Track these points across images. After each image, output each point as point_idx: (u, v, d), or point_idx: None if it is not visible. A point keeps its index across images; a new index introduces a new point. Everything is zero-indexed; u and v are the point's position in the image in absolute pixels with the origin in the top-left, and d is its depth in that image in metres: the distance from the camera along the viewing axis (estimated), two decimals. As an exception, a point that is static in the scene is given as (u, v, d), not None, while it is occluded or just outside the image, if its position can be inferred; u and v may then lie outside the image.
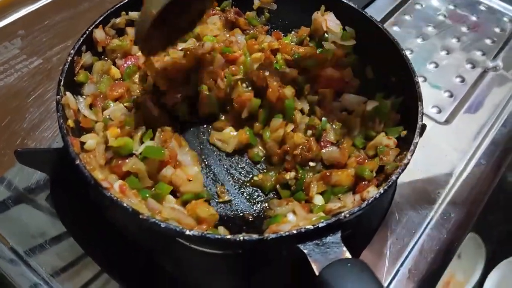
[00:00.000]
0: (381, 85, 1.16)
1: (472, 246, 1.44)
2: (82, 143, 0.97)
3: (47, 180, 1.11)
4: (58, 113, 0.92)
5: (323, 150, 1.07)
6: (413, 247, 1.07)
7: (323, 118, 1.10)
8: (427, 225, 1.11)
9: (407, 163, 0.93)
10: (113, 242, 1.02)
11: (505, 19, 1.65)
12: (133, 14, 1.17)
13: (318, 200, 1.01)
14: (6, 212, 1.07)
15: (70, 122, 0.96)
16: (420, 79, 1.41)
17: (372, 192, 0.92)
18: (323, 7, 1.24)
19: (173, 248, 0.96)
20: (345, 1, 1.22)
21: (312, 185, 1.02)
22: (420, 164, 1.19)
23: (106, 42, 1.13)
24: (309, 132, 1.10)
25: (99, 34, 1.10)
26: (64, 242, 1.03)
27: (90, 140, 0.97)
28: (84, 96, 1.06)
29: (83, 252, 1.01)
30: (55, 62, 1.36)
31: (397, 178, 0.91)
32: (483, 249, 1.44)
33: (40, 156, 1.02)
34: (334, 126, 1.10)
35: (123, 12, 1.16)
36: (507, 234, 1.52)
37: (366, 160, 1.05)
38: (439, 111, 1.35)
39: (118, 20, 1.15)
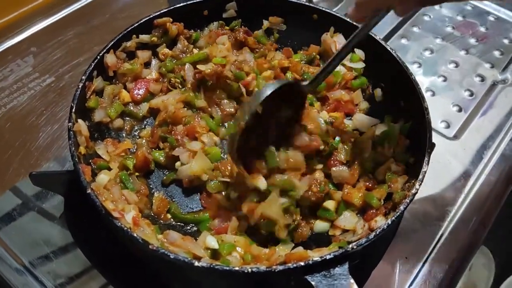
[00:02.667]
0: (390, 108, 1.17)
1: (482, 259, 1.44)
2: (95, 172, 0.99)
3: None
4: (70, 141, 0.94)
5: (334, 168, 1.08)
6: (422, 266, 1.07)
7: (337, 138, 1.10)
8: (436, 243, 1.11)
9: (415, 193, 0.94)
10: (122, 258, 1.04)
11: (514, 29, 1.64)
12: (144, 37, 1.19)
13: (330, 204, 1.03)
14: (12, 222, 1.10)
15: (82, 149, 0.98)
16: (428, 93, 1.43)
17: (380, 222, 0.93)
18: (332, 29, 1.24)
19: (181, 271, 0.97)
20: (354, 23, 1.22)
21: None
22: (429, 181, 1.17)
23: (117, 66, 1.14)
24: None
25: (110, 59, 1.12)
26: (71, 253, 1.06)
27: (103, 175, 0.98)
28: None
29: (90, 265, 1.04)
30: (67, 79, 1.38)
31: (405, 208, 0.91)
32: (492, 262, 1.44)
33: (54, 179, 1.05)
34: (345, 146, 1.10)
35: (134, 36, 1.18)
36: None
37: (375, 186, 1.06)
38: (448, 126, 1.35)
39: (129, 43, 1.17)
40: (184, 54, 1.26)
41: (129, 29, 1.16)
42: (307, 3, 1.30)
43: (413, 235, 1.12)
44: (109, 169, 1.03)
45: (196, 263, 0.79)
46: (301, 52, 1.31)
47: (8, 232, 1.08)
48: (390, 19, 1.62)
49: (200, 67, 1.20)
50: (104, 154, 1.04)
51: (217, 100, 1.21)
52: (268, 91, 0.94)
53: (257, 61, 1.24)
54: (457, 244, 1.12)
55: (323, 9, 1.27)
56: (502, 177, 1.25)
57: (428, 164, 0.96)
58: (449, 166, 1.25)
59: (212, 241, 0.92)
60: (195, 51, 1.27)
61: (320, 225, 1.04)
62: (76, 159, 0.91)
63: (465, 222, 1.15)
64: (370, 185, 1.06)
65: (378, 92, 1.22)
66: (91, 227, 1.08)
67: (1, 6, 1.53)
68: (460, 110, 1.39)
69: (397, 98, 1.15)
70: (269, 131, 1.03)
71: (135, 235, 0.82)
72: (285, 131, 1.05)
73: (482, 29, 1.64)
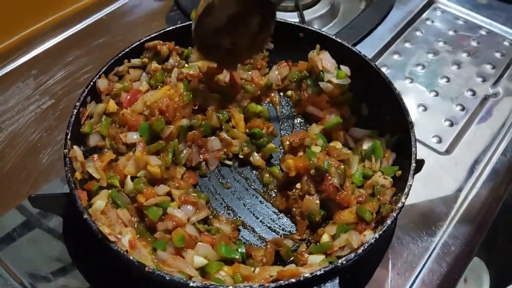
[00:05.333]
0: (376, 122, 1.20)
1: (476, 272, 1.45)
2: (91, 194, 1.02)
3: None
4: (66, 167, 0.97)
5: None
6: (414, 281, 1.09)
7: (325, 162, 1.08)
8: (428, 258, 1.13)
9: (402, 207, 0.96)
10: (120, 278, 1.05)
11: (505, 43, 1.67)
12: (135, 61, 1.23)
13: (326, 238, 1.05)
14: (13, 243, 1.13)
15: (78, 175, 1.01)
16: (420, 108, 1.45)
17: (368, 236, 0.95)
18: (318, 47, 1.27)
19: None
20: (339, 40, 1.26)
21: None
22: (421, 196, 1.22)
23: (109, 89, 1.17)
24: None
25: (102, 83, 1.15)
26: (70, 274, 1.08)
27: (99, 201, 1.01)
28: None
29: (89, 285, 1.07)
30: (67, 102, 1.42)
31: (392, 222, 0.94)
32: (487, 274, 1.45)
33: (52, 201, 1.07)
34: (339, 171, 1.07)
35: (126, 60, 1.22)
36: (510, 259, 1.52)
37: (366, 199, 1.07)
38: (440, 141, 1.37)
39: (121, 68, 1.21)
40: (176, 69, 1.30)
41: (121, 54, 1.20)
42: (291, 22, 1.33)
43: (405, 250, 1.14)
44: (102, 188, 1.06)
45: (191, 284, 0.82)
46: (293, 70, 1.35)
47: (8, 252, 1.11)
48: (382, 35, 1.66)
49: (184, 70, 1.26)
50: (94, 172, 1.06)
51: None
52: None
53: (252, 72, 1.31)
54: (449, 258, 1.13)
55: (308, 27, 1.31)
56: (493, 191, 1.26)
57: (413, 177, 0.99)
58: (441, 180, 1.27)
59: (199, 259, 0.95)
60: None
61: (314, 259, 1.01)
62: (73, 185, 0.94)
63: (457, 236, 1.17)
64: (361, 199, 1.08)
65: (363, 106, 1.25)
66: (89, 247, 1.09)
67: (2, 30, 1.57)
68: (451, 124, 1.41)
69: (383, 112, 1.18)
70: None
71: (131, 258, 0.85)
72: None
73: (474, 43, 1.67)
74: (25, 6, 1.60)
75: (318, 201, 1.07)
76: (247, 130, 1.24)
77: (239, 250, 1.02)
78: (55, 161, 1.28)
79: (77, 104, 1.08)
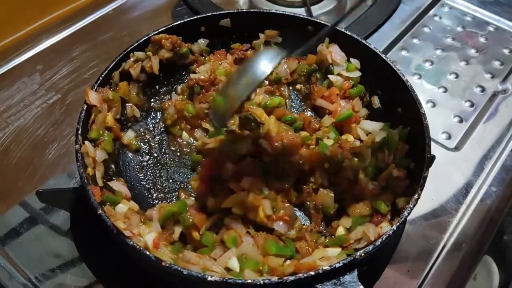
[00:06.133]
0: (388, 114, 1.19)
1: (486, 269, 1.45)
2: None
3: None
4: (78, 163, 0.96)
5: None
6: (424, 279, 1.08)
7: (339, 154, 1.10)
8: (438, 255, 1.12)
9: (418, 198, 0.96)
10: (127, 273, 1.05)
11: (513, 39, 1.65)
12: (139, 54, 1.22)
13: (341, 230, 1.04)
14: (19, 237, 1.12)
15: (90, 170, 1.00)
16: (429, 105, 1.44)
17: (385, 228, 0.94)
18: (327, 40, 1.27)
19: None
20: (348, 33, 1.24)
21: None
22: (430, 193, 1.20)
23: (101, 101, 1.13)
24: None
25: (92, 96, 1.09)
26: (77, 268, 1.08)
27: (121, 205, 1.00)
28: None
29: (96, 279, 1.06)
30: (73, 96, 1.41)
31: (409, 213, 0.93)
32: (496, 271, 1.45)
33: (60, 196, 1.06)
34: (352, 164, 1.08)
35: (132, 54, 1.22)
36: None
37: (380, 192, 1.07)
38: (449, 137, 1.36)
39: (127, 65, 1.20)
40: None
41: (129, 49, 1.19)
42: (300, 15, 1.32)
43: (415, 247, 1.13)
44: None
45: (209, 278, 0.81)
46: (301, 63, 1.33)
47: (15, 247, 1.11)
48: (390, 31, 1.64)
49: (193, 75, 1.25)
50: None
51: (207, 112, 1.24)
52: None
53: None
54: (459, 254, 1.12)
55: (317, 20, 1.29)
56: (503, 187, 1.25)
57: (428, 168, 0.98)
58: (451, 177, 1.26)
59: (234, 263, 0.93)
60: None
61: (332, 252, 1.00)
62: (85, 180, 0.93)
63: (467, 233, 1.16)
64: (375, 191, 1.07)
65: (375, 99, 1.24)
66: (97, 242, 1.10)
67: (8, 25, 1.56)
68: (461, 121, 1.40)
69: (394, 104, 1.17)
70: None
71: (147, 253, 0.84)
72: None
73: (482, 39, 1.65)
74: (31, 1, 1.60)
75: (332, 194, 1.06)
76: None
77: (288, 246, 1.00)
78: (61, 156, 1.27)
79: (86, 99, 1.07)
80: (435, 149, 1.31)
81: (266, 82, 1.31)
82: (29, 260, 1.09)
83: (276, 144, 1.10)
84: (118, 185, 1.07)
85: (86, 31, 1.62)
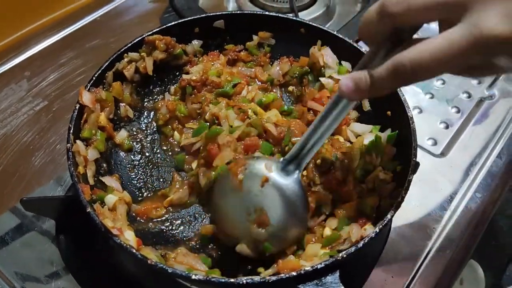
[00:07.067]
0: (378, 117, 1.20)
1: (472, 274, 1.45)
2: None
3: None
4: (69, 161, 0.96)
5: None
6: (409, 284, 1.08)
7: (333, 154, 1.09)
8: (423, 261, 1.13)
9: (401, 201, 0.96)
10: (112, 282, 1.06)
11: (500, 45, 1.66)
12: (133, 55, 1.22)
13: (328, 231, 1.04)
14: (5, 247, 1.12)
15: (81, 169, 1.00)
16: (415, 111, 1.45)
17: (368, 230, 0.94)
18: (319, 42, 1.27)
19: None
20: (340, 36, 1.25)
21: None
22: (415, 199, 1.21)
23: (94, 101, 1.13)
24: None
25: (85, 97, 1.10)
26: (62, 278, 1.07)
27: (110, 195, 1.01)
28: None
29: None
30: (60, 103, 1.41)
31: (392, 216, 0.93)
32: (482, 276, 1.45)
33: (45, 204, 1.06)
34: (343, 164, 1.08)
35: (125, 54, 1.22)
36: (508, 261, 1.53)
37: (366, 193, 1.07)
38: (435, 143, 1.37)
39: (121, 65, 1.20)
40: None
41: (122, 49, 1.20)
42: (294, 18, 1.33)
43: (400, 252, 1.13)
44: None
45: (193, 276, 0.82)
46: (294, 65, 1.34)
47: (0, 256, 1.10)
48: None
49: (185, 76, 1.25)
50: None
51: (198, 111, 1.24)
52: None
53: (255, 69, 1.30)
54: (444, 260, 1.13)
55: (309, 23, 1.30)
56: (488, 194, 1.26)
57: (413, 173, 0.98)
58: (436, 183, 1.27)
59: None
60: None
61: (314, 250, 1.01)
62: (76, 178, 0.94)
63: (451, 239, 1.16)
64: (362, 193, 1.07)
65: (365, 102, 1.24)
66: (82, 251, 1.10)
67: (-4, 31, 1.56)
68: (447, 127, 1.41)
69: (384, 107, 1.17)
70: None
71: (133, 251, 0.84)
72: None
73: (469, 45, 1.66)
74: (18, 8, 1.59)
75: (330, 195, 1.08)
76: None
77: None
78: (48, 164, 1.27)
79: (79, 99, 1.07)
80: (421, 155, 1.31)
81: (259, 83, 1.32)
82: (15, 268, 1.08)
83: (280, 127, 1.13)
84: (110, 181, 1.07)
85: (74, 38, 1.62)
